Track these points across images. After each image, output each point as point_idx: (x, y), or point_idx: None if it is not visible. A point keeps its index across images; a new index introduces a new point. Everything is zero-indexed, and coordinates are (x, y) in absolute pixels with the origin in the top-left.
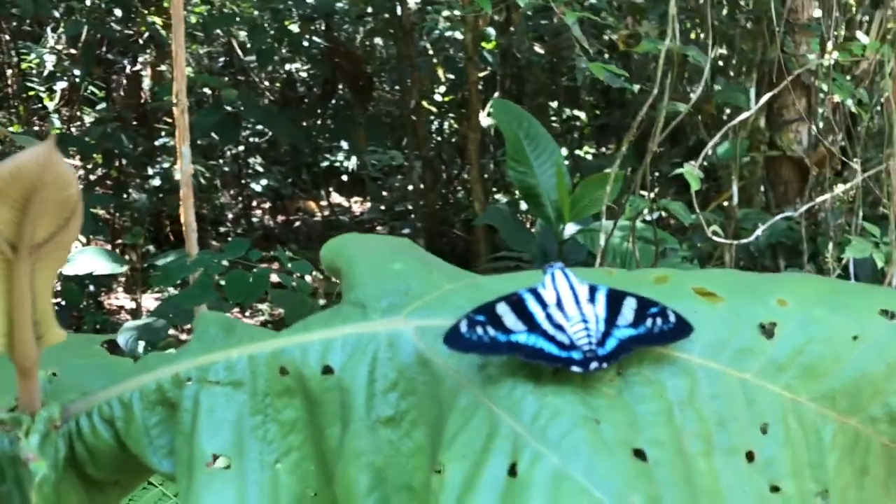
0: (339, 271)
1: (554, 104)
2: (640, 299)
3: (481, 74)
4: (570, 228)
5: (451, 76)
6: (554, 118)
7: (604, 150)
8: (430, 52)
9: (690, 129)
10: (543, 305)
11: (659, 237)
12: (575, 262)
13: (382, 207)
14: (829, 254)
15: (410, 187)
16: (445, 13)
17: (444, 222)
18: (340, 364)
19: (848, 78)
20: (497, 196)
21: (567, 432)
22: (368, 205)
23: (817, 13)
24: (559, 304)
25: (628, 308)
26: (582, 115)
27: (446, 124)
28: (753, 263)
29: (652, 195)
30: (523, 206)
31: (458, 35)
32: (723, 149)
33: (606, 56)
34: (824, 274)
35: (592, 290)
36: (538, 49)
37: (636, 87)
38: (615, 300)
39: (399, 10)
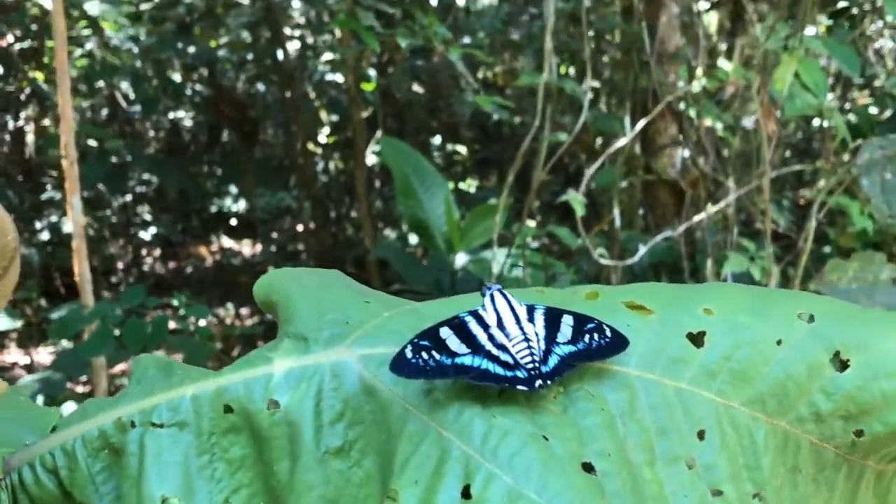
0: (275, 306)
1: (435, 140)
2: (577, 316)
3: (364, 114)
4: (460, 258)
5: (335, 117)
6: (436, 153)
7: (485, 182)
8: (313, 95)
9: (569, 158)
10: (485, 327)
11: (547, 262)
12: (467, 291)
13: (274, 249)
14: (707, 270)
15: (301, 227)
16: (325, 57)
17: (336, 260)
18: (286, 398)
19: (716, 102)
20: (385, 231)
21: (517, 451)
22: (259, 247)
23: (684, 40)
24: (500, 325)
25: (566, 325)
26: (463, 149)
27: (332, 164)
28: (637, 282)
29: (533, 223)
30: (412, 239)
31: (339, 77)
32: (602, 176)
33: (481, 93)
34: None
35: (531, 310)
36: (417, 89)
37: (516, 120)
38: (553, 318)
39: (280, 56)
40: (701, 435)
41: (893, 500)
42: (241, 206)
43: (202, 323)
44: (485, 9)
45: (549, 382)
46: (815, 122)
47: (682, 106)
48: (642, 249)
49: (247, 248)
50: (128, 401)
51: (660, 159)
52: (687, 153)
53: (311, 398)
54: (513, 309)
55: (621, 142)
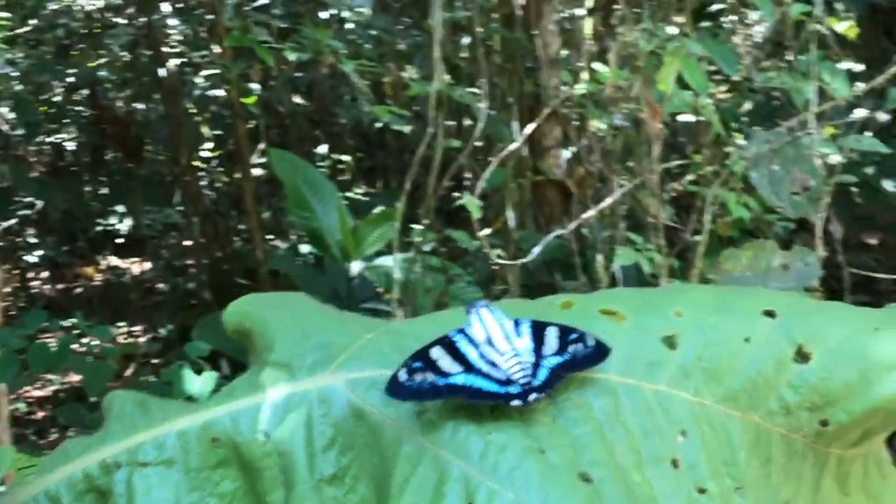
0: (250, 333)
1: (320, 150)
2: (561, 327)
3: (247, 127)
4: (356, 266)
5: (218, 132)
6: (321, 164)
7: (372, 189)
8: (194, 110)
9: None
10: (475, 345)
11: (445, 265)
12: (364, 298)
13: (163, 265)
14: (598, 264)
15: (189, 242)
16: (205, 73)
17: (228, 273)
18: (275, 428)
19: (598, 103)
20: (275, 242)
21: (516, 466)
22: (148, 265)
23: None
24: (489, 342)
25: (552, 337)
26: (347, 158)
27: (218, 178)
28: (532, 280)
29: (421, 227)
30: (302, 249)
31: (220, 92)
32: (494, 176)
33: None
34: (595, 283)
35: (517, 323)
36: (298, 100)
37: (405, 129)
38: (539, 330)
39: (161, 73)
40: (682, 434)
41: (852, 483)
42: (128, 224)
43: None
44: (370, 20)
45: (542, 395)
46: (681, 118)
47: (565, 109)
48: (536, 248)
49: (135, 266)
50: (111, 440)
51: (546, 160)
52: (573, 154)
53: (302, 426)
54: (500, 324)
55: (512, 146)
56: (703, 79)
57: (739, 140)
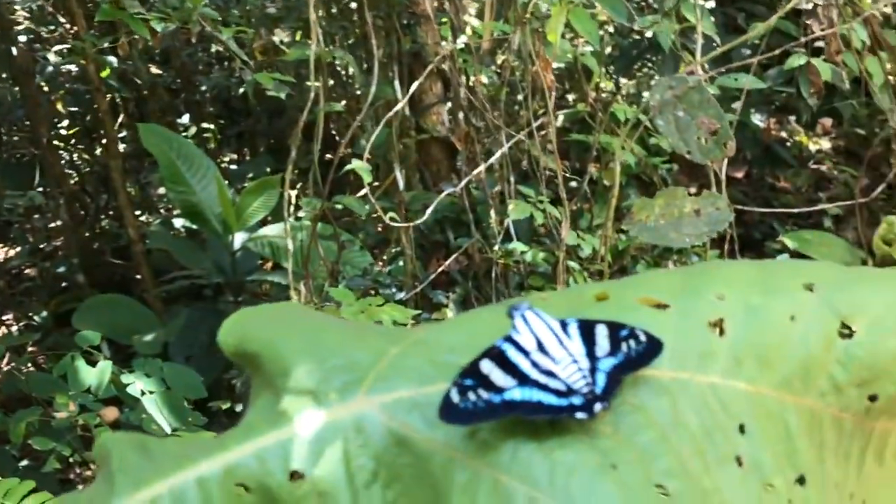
0: (257, 357)
1: (182, 121)
2: (609, 325)
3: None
4: (239, 238)
5: (74, 108)
6: (184, 134)
7: (241, 157)
8: (47, 88)
9: (345, 125)
10: (525, 353)
11: (337, 232)
12: (249, 269)
13: (29, 250)
14: (491, 220)
15: (59, 223)
16: (57, 48)
17: (99, 253)
18: (310, 465)
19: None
20: (145, 218)
21: (591, 487)
22: (14, 250)
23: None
24: (541, 348)
25: (602, 336)
26: (211, 126)
27: (80, 156)
28: (426, 240)
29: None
30: (176, 223)
31: (73, 67)
32: (377, 137)
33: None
34: (488, 238)
35: (563, 325)
36: (156, 70)
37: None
38: (587, 330)
39: (14, 51)
40: (742, 429)
41: (887, 453)
42: None
43: None
44: None
45: (606, 404)
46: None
47: (445, 64)
48: (429, 209)
49: (0, 252)
50: (120, 496)
51: (429, 118)
52: (456, 110)
53: (339, 461)
54: (551, 328)
55: (398, 105)
56: (594, 27)
57: (610, 85)
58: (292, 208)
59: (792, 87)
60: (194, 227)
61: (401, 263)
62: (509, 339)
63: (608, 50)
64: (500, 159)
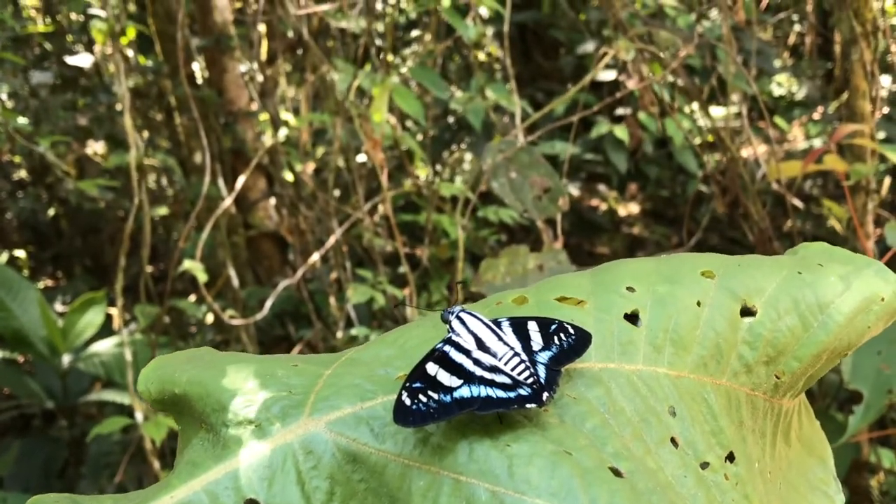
0: (184, 398)
1: None
2: (538, 320)
3: None
4: (67, 359)
5: None
6: None
7: (53, 282)
8: None
9: (163, 230)
10: (466, 352)
11: (172, 341)
12: (80, 391)
13: None
14: (331, 307)
15: None
16: None
17: None
18: (264, 493)
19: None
20: None
21: (552, 473)
22: None
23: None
24: (481, 346)
25: (534, 332)
26: (21, 253)
27: None
28: (266, 336)
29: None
30: None
31: None
32: (206, 240)
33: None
34: (330, 327)
35: (497, 324)
36: None
37: (99, 206)
38: (519, 327)
39: None
40: (672, 412)
41: (792, 433)
42: None
43: None
44: (49, 99)
45: (553, 393)
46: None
47: (267, 159)
48: (268, 302)
49: None
50: None
51: (256, 213)
52: (282, 203)
53: (293, 484)
54: (487, 325)
55: (225, 203)
56: (418, 105)
57: (423, 171)
58: (123, 321)
59: (599, 154)
60: (14, 354)
61: None
62: (449, 341)
63: (419, 137)
64: (334, 245)
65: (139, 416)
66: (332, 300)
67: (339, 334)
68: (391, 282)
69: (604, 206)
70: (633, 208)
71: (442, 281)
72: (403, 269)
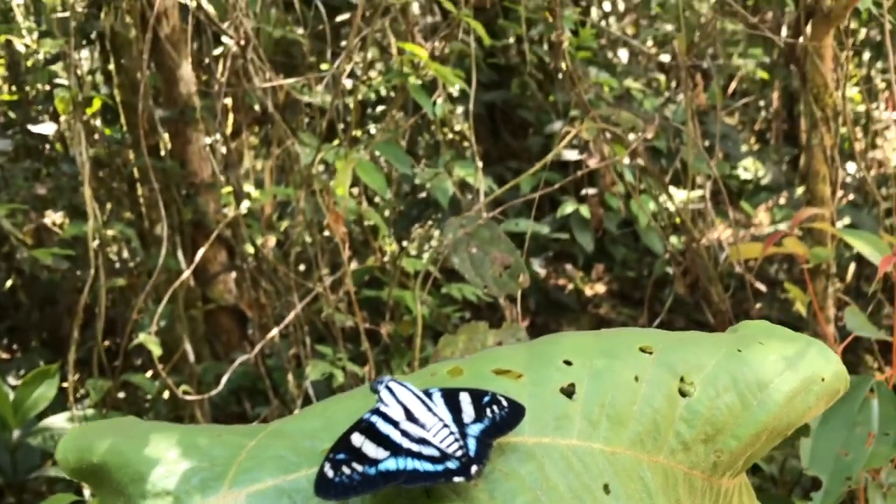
0: (103, 468)
1: None
2: (471, 392)
3: None
4: (17, 434)
5: None
6: None
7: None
8: None
9: (123, 304)
10: (394, 423)
11: (127, 416)
12: (30, 467)
13: None
14: (290, 384)
15: None
16: None
17: None
18: None
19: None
20: None
21: None
22: None
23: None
24: (410, 417)
25: (466, 403)
26: None
27: None
28: (221, 412)
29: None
30: None
31: None
32: (162, 313)
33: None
34: (287, 404)
35: (428, 395)
36: None
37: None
38: (451, 398)
39: None
40: (606, 489)
41: None
42: None
43: None
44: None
45: (482, 466)
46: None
47: (228, 232)
48: (223, 378)
49: None
50: None
51: (215, 287)
52: (242, 277)
53: None
54: (417, 396)
55: (183, 276)
56: (382, 180)
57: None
58: (77, 395)
59: (565, 233)
60: None
61: None
62: (377, 412)
63: (387, 213)
64: (294, 321)
65: (87, 492)
66: (290, 377)
67: (297, 412)
68: (352, 359)
69: (571, 286)
70: (600, 288)
71: (403, 358)
72: (364, 345)
